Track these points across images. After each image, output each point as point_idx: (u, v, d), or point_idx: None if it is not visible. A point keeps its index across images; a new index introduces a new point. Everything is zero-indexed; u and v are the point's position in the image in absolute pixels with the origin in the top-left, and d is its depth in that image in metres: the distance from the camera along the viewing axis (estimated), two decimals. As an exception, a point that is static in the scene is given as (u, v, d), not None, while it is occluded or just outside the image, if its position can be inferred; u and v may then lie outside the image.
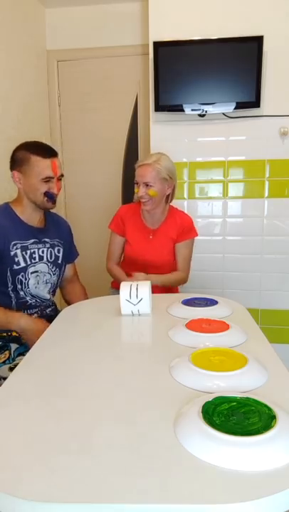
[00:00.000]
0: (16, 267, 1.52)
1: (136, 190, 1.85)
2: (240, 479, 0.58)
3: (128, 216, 1.94)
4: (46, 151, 1.51)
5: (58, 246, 1.67)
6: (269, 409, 0.70)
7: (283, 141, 2.30)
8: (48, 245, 1.62)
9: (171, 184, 1.84)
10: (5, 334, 1.49)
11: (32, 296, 1.58)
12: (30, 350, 1.08)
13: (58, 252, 1.67)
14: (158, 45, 2.22)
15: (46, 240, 1.62)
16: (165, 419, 0.73)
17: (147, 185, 1.78)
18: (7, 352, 1.47)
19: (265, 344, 1.08)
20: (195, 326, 1.12)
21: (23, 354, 1.45)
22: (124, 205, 2.02)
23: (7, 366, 1.43)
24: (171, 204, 1.95)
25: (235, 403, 0.73)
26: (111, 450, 0.66)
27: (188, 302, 1.37)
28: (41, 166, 1.49)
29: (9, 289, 1.53)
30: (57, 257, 1.66)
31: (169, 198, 1.90)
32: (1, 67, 2.24)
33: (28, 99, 2.56)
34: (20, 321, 1.43)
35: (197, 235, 1.93)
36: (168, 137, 2.37)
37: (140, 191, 1.80)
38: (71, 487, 0.58)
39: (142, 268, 1.89)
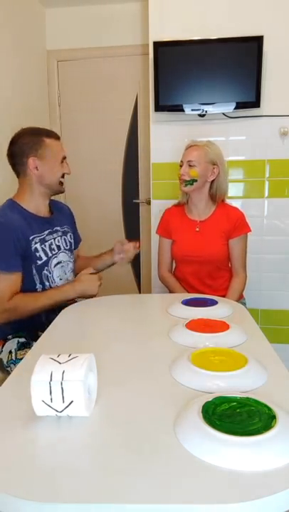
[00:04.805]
0: (39, 262, 1.50)
1: (178, 174, 1.79)
2: (240, 479, 0.58)
3: (173, 216, 1.89)
4: (54, 132, 1.54)
5: (69, 232, 1.67)
6: (269, 409, 0.70)
7: (283, 141, 2.30)
8: (60, 233, 1.61)
9: (215, 170, 1.77)
10: (39, 332, 1.44)
11: None
12: (29, 351, 1.08)
13: (71, 238, 1.67)
14: (158, 45, 2.22)
15: (57, 228, 1.60)
16: (165, 419, 0.73)
17: (190, 165, 1.74)
18: (28, 349, 1.43)
19: (265, 344, 1.08)
20: (195, 326, 1.12)
21: None
22: (168, 208, 1.94)
23: None
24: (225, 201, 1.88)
25: (235, 403, 0.73)
26: (111, 450, 0.66)
27: (188, 302, 1.37)
28: (57, 146, 1.51)
29: (38, 289, 1.50)
30: (71, 244, 1.66)
31: (213, 186, 1.80)
32: (1, 67, 2.24)
33: (28, 99, 2.56)
34: (76, 288, 1.48)
35: (250, 231, 1.85)
36: (168, 137, 2.37)
37: (182, 170, 1.76)
38: (71, 487, 0.58)
39: (193, 269, 1.82)
